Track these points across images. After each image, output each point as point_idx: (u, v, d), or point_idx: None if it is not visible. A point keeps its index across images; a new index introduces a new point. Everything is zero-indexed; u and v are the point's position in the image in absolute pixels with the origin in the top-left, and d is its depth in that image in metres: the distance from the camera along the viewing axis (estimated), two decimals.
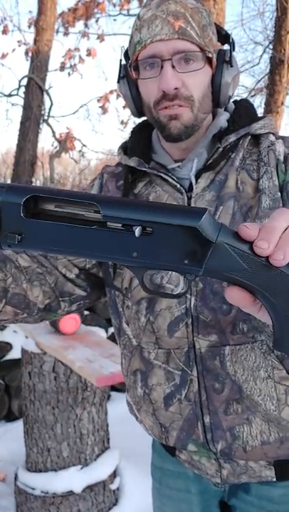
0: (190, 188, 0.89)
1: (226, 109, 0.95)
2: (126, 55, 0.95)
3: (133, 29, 0.88)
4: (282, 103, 5.25)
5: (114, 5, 6.41)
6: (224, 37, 0.93)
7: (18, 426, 2.79)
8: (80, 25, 6.32)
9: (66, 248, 0.52)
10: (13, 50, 6.22)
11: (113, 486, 2.26)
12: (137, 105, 0.93)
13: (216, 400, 0.85)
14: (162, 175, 0.90)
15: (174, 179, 0.89)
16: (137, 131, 1.00)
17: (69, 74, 6.45)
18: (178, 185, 0.89)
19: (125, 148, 0.99)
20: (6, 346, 3.36)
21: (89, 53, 6.36)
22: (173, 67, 0.83)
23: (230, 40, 0.91)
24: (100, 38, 6.40)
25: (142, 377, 0.92)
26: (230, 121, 0.91)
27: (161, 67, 0.84)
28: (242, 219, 0.84)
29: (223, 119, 0.92)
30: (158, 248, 0.51)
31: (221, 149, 0.87)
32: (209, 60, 0.87)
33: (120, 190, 0.96)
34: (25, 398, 2.24)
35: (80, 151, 6.65)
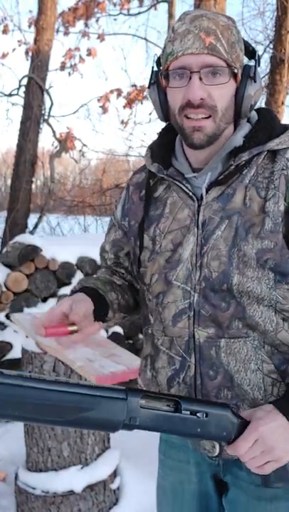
0: (202, 197, 0.98)
1: (248, 120, 1.02)
2: (158, 62, 1.02)
3: (166, 40, 0.96)
4: (283, 103, 5.25)
5: (115, 4, 6.40)
6: (251, 53, 1.00)
7: (19, 425, 2.78)
8: (80, 24, 6.33)
9: (160, 427, 0.83)
10: (14, 49, 6.22)
11: (113, 486, 2.26)
12: (164, 111, 1.01)
13: (209, 385, 0.97)
14: (177, 183, 1.00)
15: (188, 187, 1.00)
16: (162, 134, 1.10)
17: (69, 74, 6.45)
18: (190, 193, 0.99)
19: (153, 149, 1.09)
20: (7, 346, 3.36)
21: (89, 53, 6.36)
22: (200, 79, 0.92)
23: (256, 57, 0.99)
24: (101, 37, 6.39)
25: (151, 361, 1.05)
26: (248, 136, 0.98)
27: (190, 78, 0.92)
28: (244, 234, 0.93)
29: (240, 136, 0.99)
30: (211, 424, 0.85)
31: (233, 167, 0.95)
32: (234, 75, 0.95)
33: (142, 200, 1.08)
34: None
35: (80, 150, 6.65)
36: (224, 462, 1.04)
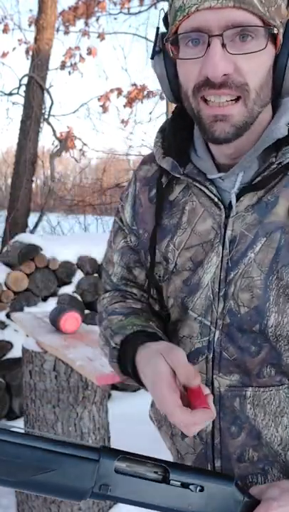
0: (231, 205, 0.74)
1: None
2: (165, 20, 0.73)
3: None
4: None
5: (115, 3, 6.40)
6: None
7: (19, 425, 2.79)
8: (80, 23, 6.32)
9: (140, 498, 0.65)
10: (14, 48, 6.22)
11: None
12: (174, 89, 0.73)
13: (231, 445, 0.77)
14: (198, 185, 0.75)
15: (212, 191, 0.75)
16: (176, 115, 0.81)
17: (69, 73, 6.45)
18: (216, 199, 0.74)
19: (164, 136, 0.81)
20: (7, 345, 3.36)
21: (89, 52, 6.36)
22: (224, 45, 0.64)
23: None
24: (101, 36, 6.39)
25: None
26: None
27: (208, 44, 0.64)
28: (288, 258, 0.70)
29: (283, 123, 0.71)
30: (207, 501, 0.65)
31: (274, 166, 0.70)
32: (273, 37, 0.66)
33: (153, 203, 0.82)
34: (26, 397, 2.24)
35: (80, 150, 6.65)
36: None
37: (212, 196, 0.75)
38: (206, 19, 0.63)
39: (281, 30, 0.66)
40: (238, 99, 0.67)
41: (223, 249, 0.74)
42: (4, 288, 3.38)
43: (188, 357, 0.71)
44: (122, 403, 3.30)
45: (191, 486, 0.64)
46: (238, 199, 0.73)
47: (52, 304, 3.50)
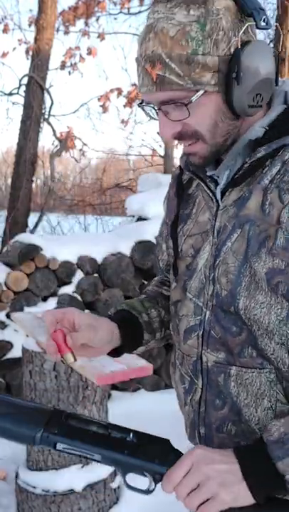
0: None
1: (286, 101, 0.84)
2: None
3: None
4: None
5: (115, 3, 6.40)
6: (246, 14, 0.75)
7: None
8: (80, 23, 6.33)
9: (84, 447, 0.77)
10: (14, 48, 6.22)
11: (114, 485, 2.27)
12: None
13: (213, 415, 0.85)
14: (200, 181, 0.88)
15: (209, 187, 0.86)
16: None
17: (69, 73, 6.45)
18: (210, 194, 0.86)
19: None
20: (7, 345, 3.37)
21: (89, 52, 6.36)
22: (166, 114, 0.78)
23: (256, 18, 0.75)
24: (101, 36, 6.39)
25: (172, 371, 0.97)
26: (271, 125, 0.80)
27: (157, 113, 0.80)
28: (256, 248, 0.77)
29: (259, 125, 0.80)
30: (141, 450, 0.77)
31: (247, 165, 0.79)
32: (209, 88, 0.76)
33: (176, 196, 0.96)
34: (26, 397, 2.24)
35: (80, 150, 6.65)
36: None
37: (208, 191, 0.86)
38: (148, 99, 0.80)
39: (215, 78, 0.75)
40: (198, 140, 0.80)
41: (212, 239, 0.85)
42: (4, 288, 3.38)
43: (184, 333, 0.89)
44: (122, 403, 3.30)
45: (127, 438, 0.77)
46: (224, 194, 0.84)
47: (52, 303, 3.50)
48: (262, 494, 0.72)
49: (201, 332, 0.85)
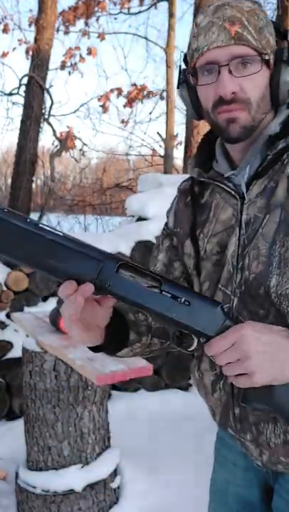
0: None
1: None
2: (185, 59, 0.96)
3: (191, 36, 0.90)
4: None
5: (115, 3, 6.41)
6: (283, 35, 0.93)
7: (19, 425, 2.79)
8: (80, 23, 6.34)
9: (135, 298, 0.77)
10: (14, 48, 6.24)
11: (114, 485, 2.27)
12: (196, 109, 0.97)
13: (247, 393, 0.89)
14: (218, 183, 0.95)
15: (229, 186, 0.93)
16: (202, 141, 1.06)
17: (69, 73, 6.46)
18: (232, 192, 0.93)
19: (195, 157, 1.05)
20: (7, 345, 3.37)
21: (89, 52, 6.37)
22: (230, 72, 0.86)
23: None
24: (101, 36, 6.40)
25: (197, 362, 1.03)
26: (285, 122, 0.91)
27: (219, 72, 0.86)
28: (286, 230, 0.86)
29: (276, 123, 0.92)
30: (191, 314, 0.78)
31: (270, 157, 0.89)
32: (267, 62, 0.88)
33: (188, 206, 1.04)
34: (26, 397, 2.24)
35: (80, 149, 6.66)
36: (272, 471, 1.00)
37: (229, 190, 0.94)
38: (215, 55, 0.86)
39: (272, 57, 0.89)
40: (243, 109, 0.88)
41: (240, 230, 0.92)
42: (4, 288, 3.38)
43: None
44: (122, 403, 3.30)
45: (179, 299, 0.78)
46: (248, 188, 0.92)
47: (52, 303, 3.50)
48: None
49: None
